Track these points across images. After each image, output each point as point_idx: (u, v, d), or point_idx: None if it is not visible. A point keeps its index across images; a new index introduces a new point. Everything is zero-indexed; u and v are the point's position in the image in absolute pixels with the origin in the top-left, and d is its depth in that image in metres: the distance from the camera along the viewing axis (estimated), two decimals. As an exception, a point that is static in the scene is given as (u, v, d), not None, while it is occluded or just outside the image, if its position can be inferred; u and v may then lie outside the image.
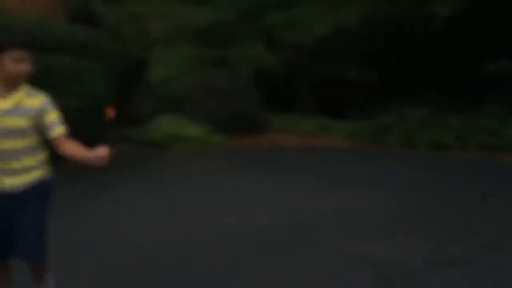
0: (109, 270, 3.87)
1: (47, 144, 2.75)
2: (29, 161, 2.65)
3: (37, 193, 2.69)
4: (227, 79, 10.80)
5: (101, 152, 2.57)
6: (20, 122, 2.58)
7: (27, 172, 2.65)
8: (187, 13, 11.31)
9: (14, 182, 2.62)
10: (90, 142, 8.63)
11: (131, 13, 12.22)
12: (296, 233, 4.70)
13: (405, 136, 9.63)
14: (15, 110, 2.58)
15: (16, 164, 2.61)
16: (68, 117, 7.56)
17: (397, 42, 12.21)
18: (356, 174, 7.37)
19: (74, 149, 2.68)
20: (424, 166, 8.11)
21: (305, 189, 6.38)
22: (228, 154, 9.00)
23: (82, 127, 7.89)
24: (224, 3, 11.63)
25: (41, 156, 2.73)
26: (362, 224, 4.95)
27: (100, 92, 8.17)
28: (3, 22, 7.15)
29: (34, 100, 2.64)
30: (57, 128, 2.70)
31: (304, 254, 4.16)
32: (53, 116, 2.68)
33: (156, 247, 4.34)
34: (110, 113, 2.81)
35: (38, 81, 7.30)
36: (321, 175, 7.27)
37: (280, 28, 11.09)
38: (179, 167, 8.09)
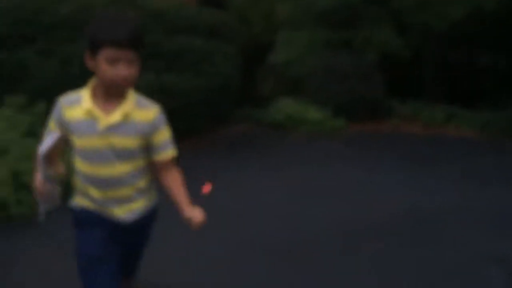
0: (224, 251, 4.00)
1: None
2: (141, 183, 2.15)
3: (148, 222, 2.30)
4: (351, 63, 10.60)
5: (196, 216, 2.09)
6: (129, 141, 2.02)
7: (140, 196, 2.16)
8: (313, -5, 11.21)
9: (126, 210, 2.13)
10: (217, 119, 9.01)
11: (257, -5, 12.41)
12: (416, 226, 4.53)
13: (545, 129, 8.84)
14: (123, 126, 2.00)
15: (127, 190, 2.10)
16: (199, 96, 7.97)
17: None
18: (489, 168, 6.91)
19: (175, 185, 2.17)
20: None
21: (430, 181, 6.11)
22: (349, 139, 8.89)
23: (211, 106, 8.25)
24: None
25: (150, 177, 2.23)
26: (493, 222, 4.64)
27: (229, 73, 8.45)
28: (138, 6, 7.58)
29: (147, 113, 2.05)
30: (167, 151, 2.15)
31: (426, 248, 4.00)
32: (164, 135, 2.13)
33: (269, 231, 4.39)
34: (206, 189, 2.30)
35: (172, 61, 7.74)
36: (448, 167, 6.91)
37: (410, 11, 10.60)
38: (300, 150, 8.13)
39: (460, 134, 9.33)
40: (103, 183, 2.05)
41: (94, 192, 2.07)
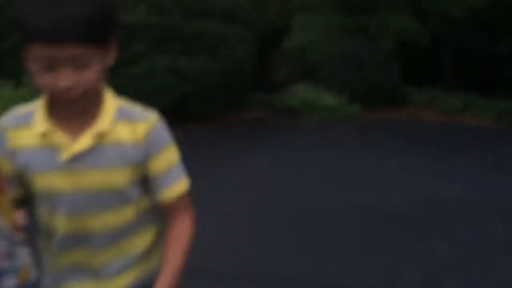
0: (235, 236, 4.01)
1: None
2: (136, 243, 1.34)
3: None
4: (367, 49, 10.48)
5: None
6: (111, 176, 1.26)
7: (129, 267, 1.34)
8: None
9: None
10: (231, 104, 8.99)
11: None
12: (430, 214, 4.50)
13: None
14: (98, 154, 1.24)
15: (108, 255, 1.31)
16: (214, 80, 7.95)
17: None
18: (505, 157, 6.82)
19: (172, 250, 1.32)
20: None
21: (444, 169, 6.06)
22: (364, 126, 8.83)
23: (225, 90, 8.24)
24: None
25: (155, 231, 1.40)
26: (509, 211, 4.60)
27: (244, 57, 8.42)
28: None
29: (135, 128, 1.28)
30: (172, 186, 1.33)
31: (440, 235, 3.97)
32: (167, 159, 1.32)
33: (280, 217, 4.39)
34: None
35: (188, 44, 7.71)
36: (464, 155, 6.84)
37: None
38: (314, 136, 8.10)
39: (477, 122, 9.23)
40: (66, 244, 1.29)
41: (54, 259, 1.33)
